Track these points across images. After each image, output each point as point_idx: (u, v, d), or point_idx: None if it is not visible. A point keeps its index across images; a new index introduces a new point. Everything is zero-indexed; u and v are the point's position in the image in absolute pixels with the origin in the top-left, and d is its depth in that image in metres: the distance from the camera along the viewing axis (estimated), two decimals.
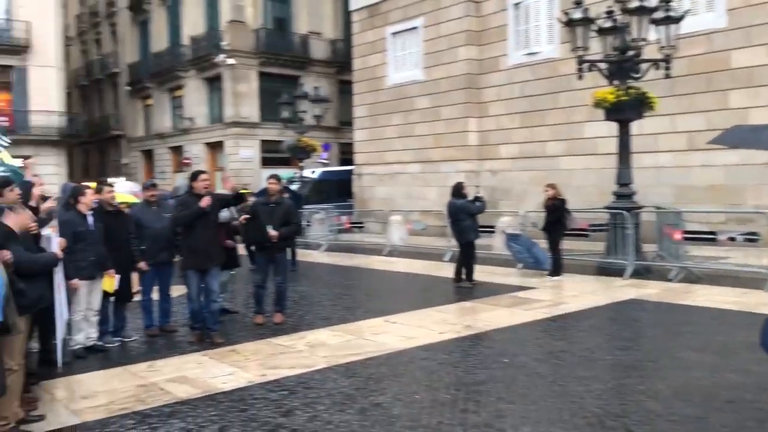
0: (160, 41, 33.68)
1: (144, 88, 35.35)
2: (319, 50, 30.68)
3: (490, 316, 8.52)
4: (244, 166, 28.64)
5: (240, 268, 9.71)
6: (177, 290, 8.34)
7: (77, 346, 6.99)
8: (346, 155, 28.76)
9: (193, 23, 30.96)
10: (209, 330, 7.58)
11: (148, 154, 36.24)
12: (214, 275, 7.65)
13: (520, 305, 9.24)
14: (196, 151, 31.27)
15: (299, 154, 19.74)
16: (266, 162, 28.60)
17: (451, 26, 20.17)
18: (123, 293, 7.46)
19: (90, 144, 41.62)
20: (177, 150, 33.17)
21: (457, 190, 11.00)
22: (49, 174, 27.09)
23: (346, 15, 26.82)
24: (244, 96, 28.75)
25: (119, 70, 37.93)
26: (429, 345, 7.09)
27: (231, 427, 4.82)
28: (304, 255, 15.56)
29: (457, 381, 5.80)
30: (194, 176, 7.68)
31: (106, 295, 7.29)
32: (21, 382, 4.93)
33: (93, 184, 12.23)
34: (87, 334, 7.09)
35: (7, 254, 4.43)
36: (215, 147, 30.60)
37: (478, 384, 5.68)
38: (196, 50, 30.24)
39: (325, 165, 28.66)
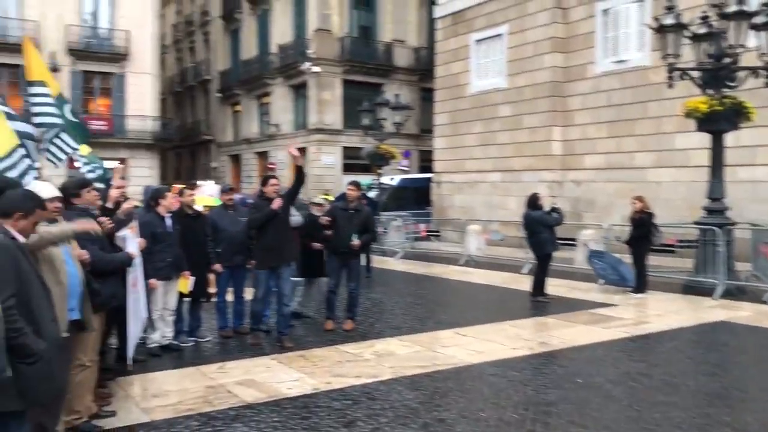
0: (249, 49, 34.70)
1: (233, 95, 36.49)
2: (402, 58, 30.80)
3: (566, 333, 8.20)
4: (325, 172, 29.06)
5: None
6: (250, 293, 8.44)
7: (153, 345, 7.20)
8: (426, 163, 28.66)
9: (281, 32, 31.73)
10: (280, 334, 7.65)
11: (236, 159, 37.35)
12: (286, 279, 7.73)
13: (599, 323, 8.86)
14: (281, 157, 31.96)
15: (378, 161, 19.78)
16: (347, 168, 28.90)
17: (536, 33, 19.75)
18: (198, 294, 7.63)
19: (182, 148, 43.38)
20: (263, 155, 34.03)
21: (533, 202, 10.69)
22: (142, 176, 28.44)
23: (431, 23, 26.81)
24: (328, 103, 29.20)
25: (211, 77, 39.34)
26: (500, 361, 6.88)
27: None
28: (379, 262, 15.58)
29: (527, 400, 5.58)
30: (264, 181, 7.86)
31: (181, 295, 7.49)
32: (94, 377, 5.08)
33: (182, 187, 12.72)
34: (163, 333, 7.29)
35: (84, 254, 4.57)
36: (299, 153, 31.16)
37: (549, 404, 5.45)
38: (284, 58, 30.96)
39: (404, 172, 28.72)
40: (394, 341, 7.78)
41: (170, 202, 7.04)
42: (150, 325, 7.14)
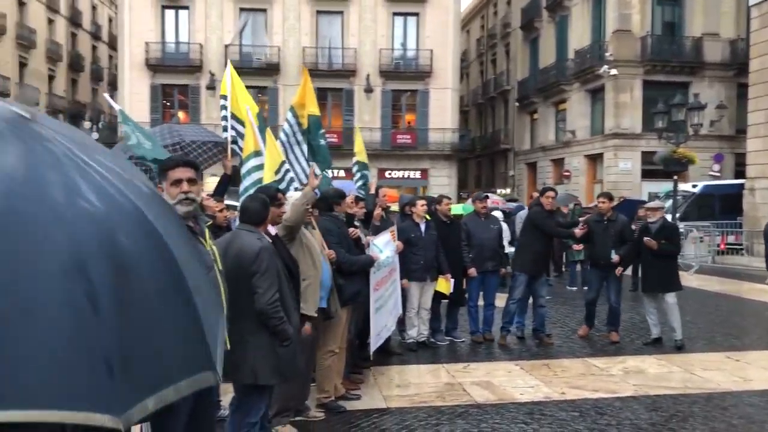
0: (547, 57, 34.69)
1: (531, 103, 36.80)
2: (714, 53, 27.94)
3: None
4: (622, 178, 27.72)
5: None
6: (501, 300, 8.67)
7: (410, 340, 7.86)
8: (743, 167, 25.64)
9: (579, 37, 31.14)
10: (538, 332, 8.25)
11: (533, 167, 37.58)
12: (542, 282, 8.19)
13: None
14: (576, 164, 31.37)
15: (673, 166, 18.29)
16: (646, 175, 27.19)
17: None
18: (457, 297, 8.11)
19: (483, 157, 45.04)
20: (558, 162, 33.72)
21: None
22: (442, 185, 30.31)
23: (748, 11, 23.93)
24: (625, 106, 27.83)
25: (510, 87, 40.17)
26: (764, 390, 6.11)
27: None
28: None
29: None
30: (542, 192, 8.23)
31: (442, 296, 8.03)
32: (342, 363, 5.83)
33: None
34: (419, 331, 7.91)
35: (332, 253, 5.32)
36: (595, 159, 30.27)
37: None
38: (580, 63, 30.33)
39: (716, 177, 26.05)
40: (650, 359, 7.37)
41: (420, 209, 7.60)
42: (406, 322, 7.84)
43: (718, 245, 17.18)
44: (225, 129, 6.65)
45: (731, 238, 17.32)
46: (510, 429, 5.15)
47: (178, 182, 3.10)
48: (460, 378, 6.62)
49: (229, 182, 5.93)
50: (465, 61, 50.90)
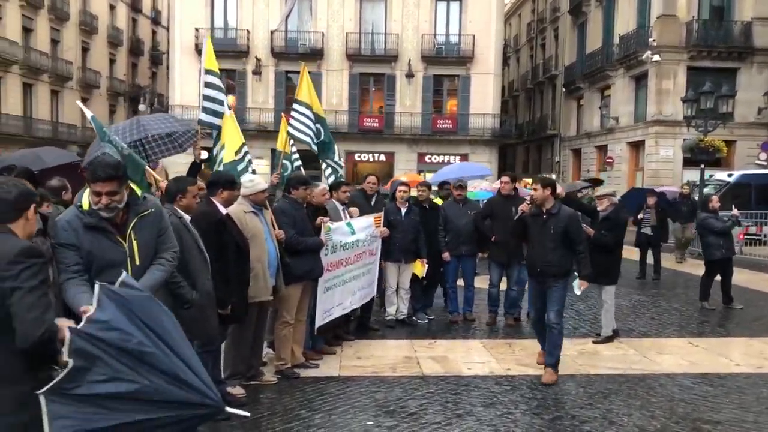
0: (594, 42, 34.18)
1: (577, 89, 36.37)
2: (764, 37, 27.04)
3: None
4: (663, 166, 27.30)
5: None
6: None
7: (388, 317, 8.35)
8: None
9: (624, 21, 30.62)
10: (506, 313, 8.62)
11: (577, 153, 37.20)
12: (513, 268, 8.46)
13: None
14: (618, 151, 30.98)
15: (700, 155, 18.02)
16: (688, 163, 26.66)
17: None
18: (431, 279, 8.54)
19: (530, 143, 44.76)
20: (602, 149, 33.32)
21: None
22: None
23: None
24: (668, 93, 27.31)
25: (557, 72, 39.74)
26: (706, 374, 6.35)
27: (431, 405, 5.42)
28: (690, 266, 14.49)
29: (685, 415, 5.21)
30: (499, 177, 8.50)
31: (419, 278, 8.48)
32: (300, 334, 6.35)
33: (529, 180, 13.69)
34: (398, 308, 8.39)
35: (281, 233, 5.84)
36: (637, 146, 29.84)
37: (706, 423, 5.03)
38: (625, 48, 29.85)
39: (763, 167, 25.36)
40: (613, 343, 7.59)
41: (402, 194, 8.06)
42: (385, 300, 8.33)
43: (760, 236, 16.78)
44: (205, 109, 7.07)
45: (753, 229, 16.95)
46: (440, 398, 5.59)
47: (98, 194, 3.46)
48: (421, 353, 7.07)
49: (198, 169, 6.47)
50: (516, 45, 50.53)
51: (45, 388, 2.34)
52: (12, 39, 34.21)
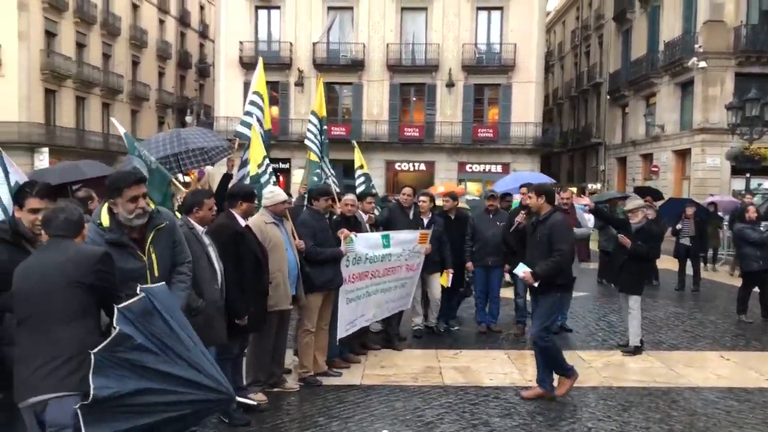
0: (639, 49, 33.65)
1: (622, 96, 35.82)
2: None
3: None
4: (709, 175, 26.66)
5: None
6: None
7: (416, 327, 8.41)
8: None
9: (669, 28, 30.07)
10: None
11: (622, 161, 36.59)
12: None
13: None
14: (664, 159, 30.37)
15: (745, 163, 17.56)
16: (737, 171, 25.96)
17: None
18: (456, 288, 8.56)
19: (575, 151, 44.21)
20: (647, 157, 32.72)
21: None
22: None
23: None
24: (715, 100, 26.67)
25: (602, 80, 39.22)
26: (732, 388, 6.23)
27: (448, 415, 5.47)
28: (727, 277, 14.17)
29: (705, 430, 5.13)
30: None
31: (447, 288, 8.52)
32: (323, 342, 6.48)
33: (574, 189, 13.60)
34: (426, 318, 8.46)
35: (301, 243, 5.99)
36: (684, 155, 29.20)
37: None
38: (670, 55, 29.31)
39: None
40: (641, 355, 7.51)
41: (425, 205, 8.13)
42: (414, 310, 8.39)
43: None
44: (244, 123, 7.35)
45: None
46: (458, 408, 5.64)
47: (134, 199, 3.66)
48: (444, 363, 7.12)
49: (229, 180, 6.69)
50: (560, 53, 50.06)
51: (97, 348, 3.00)
52: (66, 54, 35.50)
